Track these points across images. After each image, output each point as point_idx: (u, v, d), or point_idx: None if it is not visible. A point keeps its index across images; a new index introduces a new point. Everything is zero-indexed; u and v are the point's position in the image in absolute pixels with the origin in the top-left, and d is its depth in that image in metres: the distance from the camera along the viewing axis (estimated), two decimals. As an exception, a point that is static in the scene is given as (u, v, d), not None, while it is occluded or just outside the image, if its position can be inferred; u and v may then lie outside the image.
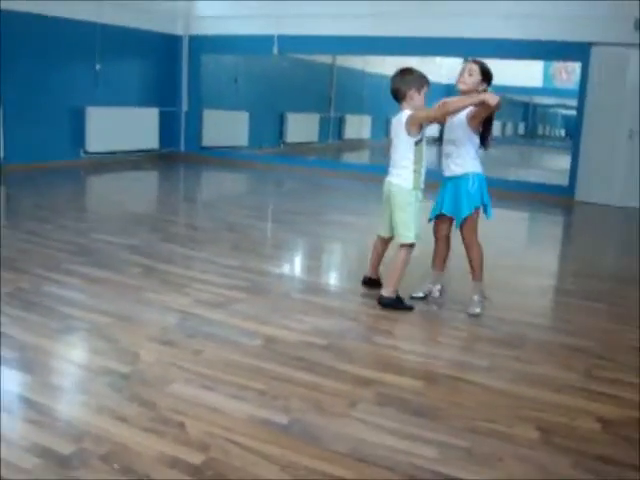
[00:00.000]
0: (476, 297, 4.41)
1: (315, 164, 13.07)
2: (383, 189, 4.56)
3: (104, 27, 10.93)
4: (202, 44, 12.66)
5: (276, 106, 14.67)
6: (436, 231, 4.61)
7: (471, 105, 4.10)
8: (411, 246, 4.38)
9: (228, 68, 13.70)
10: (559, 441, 2.75)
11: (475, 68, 4.25)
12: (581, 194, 10.07)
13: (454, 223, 4.48)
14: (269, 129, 14.65)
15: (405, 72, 4.31)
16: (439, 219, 4.55)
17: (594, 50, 9.91)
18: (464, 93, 4.25)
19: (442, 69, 19.58)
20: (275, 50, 11.87)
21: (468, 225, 4.36)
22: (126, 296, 4.29)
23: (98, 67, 11.06)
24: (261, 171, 12.11)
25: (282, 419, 2.76)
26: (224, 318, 3.97)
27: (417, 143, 4.31)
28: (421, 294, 4.60)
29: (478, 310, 4.35)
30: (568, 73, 17.43)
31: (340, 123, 17.30)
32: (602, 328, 4.34)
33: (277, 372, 3.22)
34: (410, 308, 4.37)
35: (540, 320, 4.48)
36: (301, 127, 15.41)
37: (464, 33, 10.49)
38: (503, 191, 10.19)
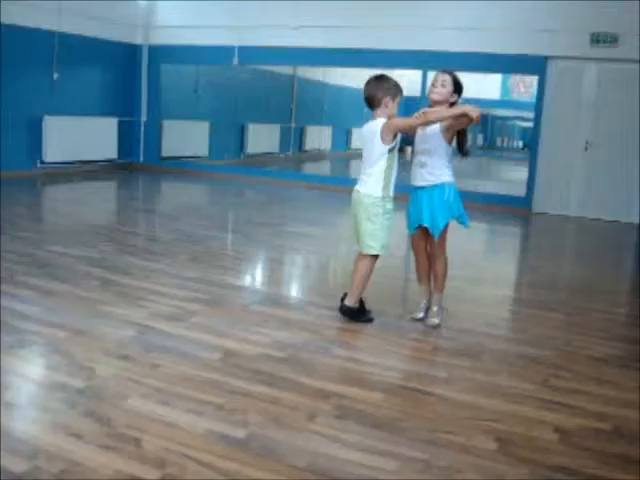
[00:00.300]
0: (436, 308, 4.43)
1: (276, 175, 13.06)
2: (352, 197, 4.46)
3: (62, 36, 10.82)
4: (162, 54, 12.60)
5: (237, 117, 14.64)
6: (415, 244, 4.57)
7: (454, 117, 4.11)
8: (375, 257, 4.34)
9: (188, 78, 13.64)
10: (517, 452, 2.76)
11: (448, 79, 4.26)
12: (538, 205, 10.22)
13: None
14: (230, 140, 14.60)
15: (381, 79, 4.25)
16: (417, 231, 4.51)
17: (550, 63, 10.09)
18: (436, 103, 4.26)
19: (402, 81, 19.80)
20: (235, 61, 11.87)
21: (440, 236, 4.36)
22: (82, 309, 4.22)
23: (56, 76, 10.93)
24: (222, 182, 12.06)
25: (240, 433, 2.73)
26: (182, 331, 3.92)
27: (390, 151, 4.26)
28: (421, 314, 4.49)
29: (437, 321, 4.36)
30: (526, 86, 17.68)
31: (301, 134, 17.32)
32: (558, 338, 4.38)
33: (235, 386, 3.19)
34: (370, 320, 4.36)
35: (497, 330, 4.51)
36: (262, 138, 15.40)
37: (423, 46, 10.62)
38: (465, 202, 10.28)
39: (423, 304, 4.53)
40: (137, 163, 12.87)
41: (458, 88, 4.29)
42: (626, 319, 5.11)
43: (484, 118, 26.24)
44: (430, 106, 4.28)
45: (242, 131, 14.80)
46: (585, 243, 8.67)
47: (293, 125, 16.88)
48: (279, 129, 16.33)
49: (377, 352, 3.83)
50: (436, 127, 4.23)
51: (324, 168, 17.57)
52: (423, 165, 4.38)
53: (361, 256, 4.37)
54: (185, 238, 6.74)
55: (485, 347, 4.04)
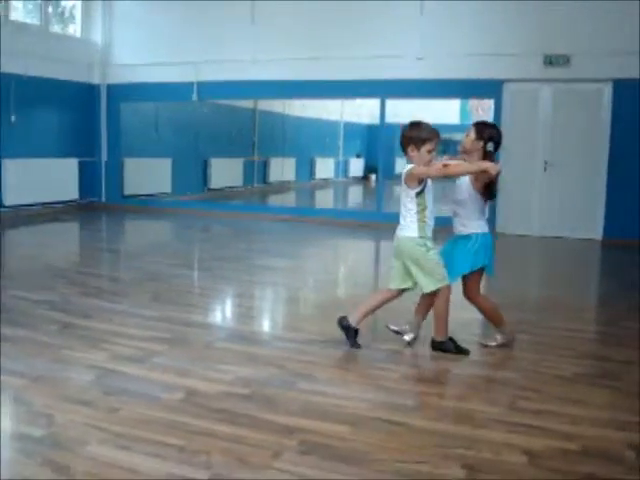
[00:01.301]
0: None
1: (240, 208, 13.05)
2: (394, 242, 4.59)
3: (19, 78, 10.74)
4: (120, 92, 12.58)
5: (199, 152, 14.61)
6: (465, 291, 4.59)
7: (471, 174, 4.24)
8: (443, 288, 4.33)
9: (148, 115, 13.61)
10: (485, 478, 2.74)
11: (472, 128, 4.36)
12: (501, 226, 10.30)
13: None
14: (193, 175, 14.55)
15: (412, 126, 4.34)
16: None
17: (506, 86, 10.26)
18: (463, 152, 4.38)
19: (363, 110, 19.96)
20: (195, 96, 11.88)
21: (472, 283, 4.49)
22: (41, 355, 4.12)
23: (14, 118, 10.84)
24: (186, 218, 11.99)
25: (203, 475, 2.67)
26: (143, 372, 3.84)
27: (418, 194, 4.35)
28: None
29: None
30: (484, 109, 17.92)
31: (264, 166, 17.36)
32: (525, 359, 4.38)
33: (197, 426, 3.12)
34: (466, 352, 4.38)
35: (464, 354, 4.49)
36: (225, 172, 15.39)
37: (381, 75, 10.75)
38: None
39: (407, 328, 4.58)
40: (99, 203, 12.77)
41: (480, 135, 4.31)
42: (592, 336, 5.15)
43: (446, 143, 26.63)
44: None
45: (205, 166, 14.77)
46: (549, 262, 8.74)
47: (256, 158, 16.91)
48: (242, 162, 16.34)
49: (343, 383, 3.78)
50: (466, 178, 4.35)
51: (289, 199, 17.58)
52: (456, 215, 4.56)
53: (430, 297, 4.43)
54: (148, 277, 6.65)
55: (452, 372, 4.03)
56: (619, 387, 3.85)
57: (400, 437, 3.09)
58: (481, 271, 4.49)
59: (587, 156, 9.97)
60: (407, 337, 4.56)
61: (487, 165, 4.12)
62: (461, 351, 4.40)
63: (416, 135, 4.28)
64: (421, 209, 4.40)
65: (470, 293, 4.52)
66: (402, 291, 4.49)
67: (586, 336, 5.05)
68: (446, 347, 4.38)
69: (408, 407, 3.46)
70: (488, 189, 4.37)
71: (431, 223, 4.44)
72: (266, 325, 5.37)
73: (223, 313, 5.79)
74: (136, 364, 3.98)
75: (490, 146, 4.31)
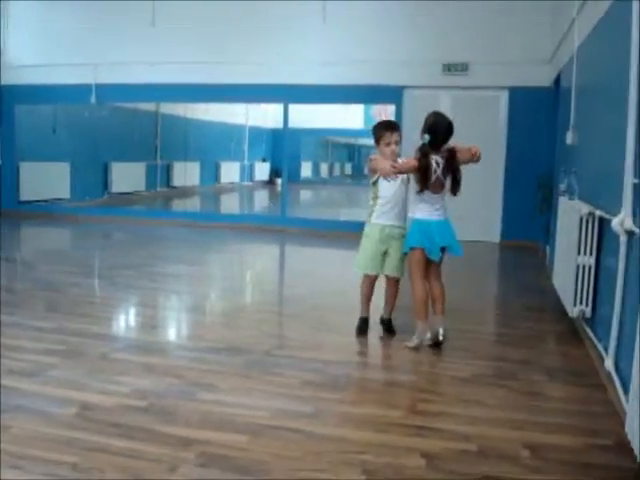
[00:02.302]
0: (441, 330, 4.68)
1: (143, 214, 12.79)
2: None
3: None
4: (15, 94, 12.09)
5: (99, 156, 14.27)
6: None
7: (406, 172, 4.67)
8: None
9: (45, 118, 13.17)
10: (385, 483, 2.75)
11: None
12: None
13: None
14: (92, 180, 14.19)
15: (373, 127, 4.96)
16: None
17: (406, 92, 10.44)
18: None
19: (268, 114, 19.96)
20: (93, 99, 11.58)
21: (408, 264, 4.83)
22: None
23: None
24: (85, 224, 11.67)
25: (96, 494, 2.58)
26: (36, 387, 3.69)
27: (373, 184, 4.84)
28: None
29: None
30: (387, 114, 18.20)
31: (168, 170, 17.11)
32: (424, 361, 4.45)
33: (92, 442, 3.01)
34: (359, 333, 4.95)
35: (364, 359, 4.54)
36: (127, 176, 15.08)
37: (284, 80, 10.73)
38: (333, 231, 10.45)
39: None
40: (-7, 209, 12.26)
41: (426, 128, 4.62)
42: (489, 337, 5.27)
43: (351, 148, 26.93)
44: None
45: (105, 170, 14.42)
46: (447, 264, 8.89)
47: (159, 162, 16.64)
48: (144, 166, 16.05)
49: (242, 392, 3.73)
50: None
51: (193, 204, 17.39)
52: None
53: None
54: (43, 286, 6.41)
55: (352, 377, 4.05)
56: (515, 387, 3.95)
57: (300, 445, 3.07)
58: (417, 253, 4.69)
59: (485, 161, 10.09)
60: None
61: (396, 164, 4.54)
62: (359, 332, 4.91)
63: (374, 134, 4.86)
64: (373, 197, 4.86)
65: (409, 274, 4.81)
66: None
67: (483, 337, 5.17)
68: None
69: (308, 414, 3.43)
70: (419, 180, 4.59)
71: (384, 211, 4.81)
72: (166, 334, 5.25)
73: (121, 323, 5.61)
74: (29, 378, 3.82)
75: (425, 138, 4.59)
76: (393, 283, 4.95)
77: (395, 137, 4.81)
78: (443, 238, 4.73)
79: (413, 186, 4.67)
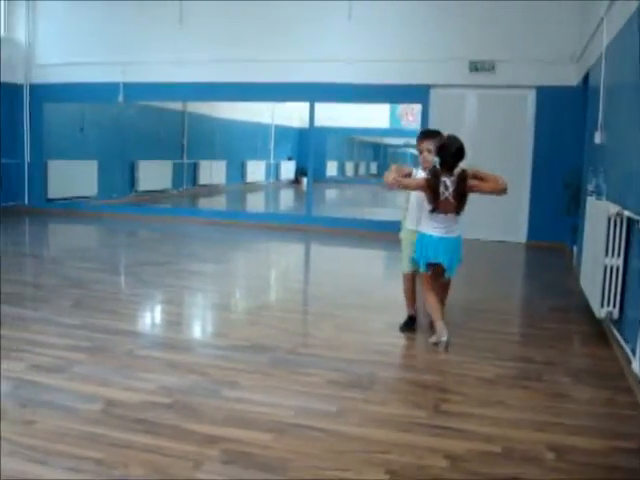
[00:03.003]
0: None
1: (169, 212, 12.88)
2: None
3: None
4: (44, 93, 12.23)
5: (126, 154, 14.36)
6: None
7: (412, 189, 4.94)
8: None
9: (73, 117, 13.28)
10: (408, 483, 2.74)
11: (432, 147, 4.81)
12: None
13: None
14: (120, 178, 14.29)
15: None
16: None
17: (433, 92, 10.39)
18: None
19: (294, 113, 19.99)
20: (121, 98, 11.67)
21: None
22: (-47, 367, 3.95)
23: None
24: (112, 221, 11.77)
25: (120, 489, 2.60)
26: (61, 383, 3.72)
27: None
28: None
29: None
30: (414, 114, 18.18)
31: (194, 169, 17.19)
32: (449, 361, 4.43)
33: (116, 438, 3.03)
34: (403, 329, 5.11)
35: (388, 358, 4.52)
36: (153, 174, 15.17)
37: (310, 78, 10.73)
38: (358, 230, 10.45)
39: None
40: (22, 206, 12.39)
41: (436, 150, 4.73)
42: (514, 338, 5.23)
43: (377, 147, 26.88)
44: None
45: (132, 168, 14.53)
46: (474, 265, 8.86)
47: (186, 160, 16.73)
48: (171, 165, 16.14)
49: (267, 390, 3.74)
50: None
51: (219, 202, 17.46)
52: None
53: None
54: (70, 283, 6.47)
55: (376, 376, 4.03)
56: (539, 388, 3.92)
57: (323, 444, 3.07)
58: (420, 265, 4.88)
59: (512, 160, 10.18)
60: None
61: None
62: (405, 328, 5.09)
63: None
64: (405, 207, 5.17)
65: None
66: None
67: (509, 338, 5.13)
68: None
69: (331, 413, 3.43)
70: (429, 200, 4.70)
71: (410, 219, 5.09)
72: (191, 332, 5.29)
73: (147, 320, 5.65)
74: (54, 374, 3.86)
75: (435, 161, 4.71)
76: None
77: (426, 145, 4.84)
78: (437, 255, 4.79)
79: (425, 203, 4.77)
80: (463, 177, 4.64)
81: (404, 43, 10.31)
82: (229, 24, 10.99)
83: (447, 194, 4.63)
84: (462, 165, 4.71)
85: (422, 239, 4.81)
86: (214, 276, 7.38)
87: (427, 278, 4.90)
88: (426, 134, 5.04)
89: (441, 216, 4.70)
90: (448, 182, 4.62)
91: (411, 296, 5.21)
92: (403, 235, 5.20)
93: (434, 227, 4.75)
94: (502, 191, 4.78)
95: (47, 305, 5.57)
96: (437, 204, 4.64)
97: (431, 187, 4.63)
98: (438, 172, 4.64)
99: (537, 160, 10.03)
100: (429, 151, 4.80)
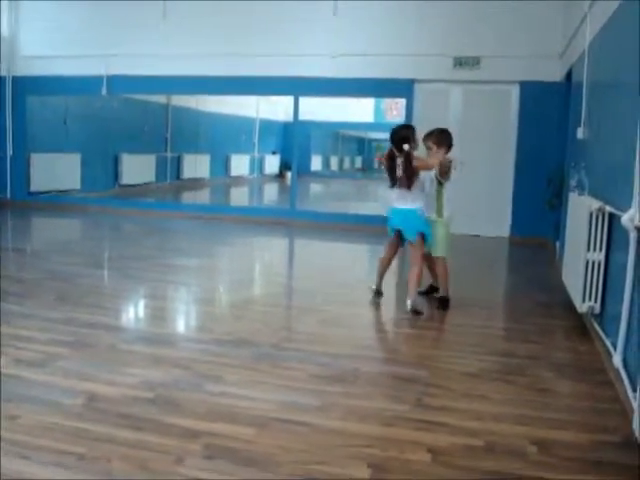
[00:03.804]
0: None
1: (153, 206, 12.81)
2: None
3: None
4: (27, 85, 12.11)
5: (110, 147, 14.28)
6: None
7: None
8: None
9: (56, 109, 13.18)
10: (390, 477, 2.75)
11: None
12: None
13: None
14: (103, 171, 14.22)
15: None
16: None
17: (417, 86, 10.41)
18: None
19: (278, 107, 19.96)
20: (104, 91, 11.59)
21: None
22: None
23: None
24: (95, 215, 11.70)
25: (102, 484, 2.59)
26: (44, 377, 3.71)
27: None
28: None
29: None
30: (398, 108, 18.20)
31: (178, 162, 17.12)
32: (432, 356, 4.45)
33: (99, 432, 3.02)
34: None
35: (372, 352, 4.54)
36: (137, 168, 15.09)
37: (295, 72, 10.71)
38: (343, 224, 10.45)
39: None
40: (4, 199, 12.27)
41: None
42: (497, 332, 5.25)
43: (361, 140, 26.89)
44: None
45: (116, 162, 14.45)
46: (457, 259, 8.87)
47: (169, 154, 16.66)
48: (155, 158, 16.06)
49: (250, 384, 3.73)
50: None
51: (203, 196, 17.41)
52: None
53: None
54: (53, 277, 6.43)
55: (359, 371, 4.04)
56: (523, 382, 3.94)
57: (306, 438, 3.07)
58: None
59: (496, 156, 10.24)
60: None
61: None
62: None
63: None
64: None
65: None
66: None
67: (492, 332, 5.15)
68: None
69: (314, 407, 3.44)
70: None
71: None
72: (174, 326, 5.27)
73: (130, 314, 5.63)
74: (37, 369, 3.84)
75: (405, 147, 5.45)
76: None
77: (427, 143, 5.88)
78: (397, 222, 5.68)
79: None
80: (407, 157, 5.44)
81: (389, 38, 10.31)
82: (213, 18, 10.93)
83: (399, 172, 5.48)
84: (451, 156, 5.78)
85: (389, 211, 5.77)
86: (198, 270, 7.37)
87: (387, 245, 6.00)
88: (428, 134, 5.90)
89: (396, 190, 5.57)
90: (399, 161, 5.47)
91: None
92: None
93: (393, 199, 5.64)
94: (440, 173, 5.60)
95: (30, 299, 5.52)
96: (394, 180, 5.53)
97: (387, 166, 5.59)
98: (392, 154, 5.53)
99: (520, 155, 10.07)
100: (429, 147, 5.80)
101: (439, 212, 5.80)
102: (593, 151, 5.83)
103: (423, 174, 5.58)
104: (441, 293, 5.82)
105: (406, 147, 5.40)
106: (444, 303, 5.70)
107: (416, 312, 5.35)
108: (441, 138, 5.79)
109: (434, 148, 5.73)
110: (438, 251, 5.83)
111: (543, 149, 9.77)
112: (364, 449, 2.97)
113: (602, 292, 4.64)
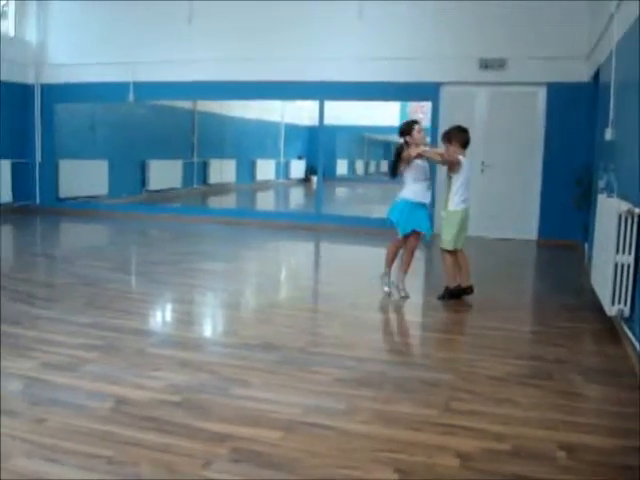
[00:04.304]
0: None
1: (179, 211, 12.90)
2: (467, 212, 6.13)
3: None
4: (55, 93, 12.29)
5: (136, 153, 14.39)
6: None
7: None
8: None
9: (84, 116, 13.33)
10: (418, 482, 2.73)
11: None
12: (439, 226, 10.37)
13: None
14: (130, 177, 14.33)
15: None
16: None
17: (443, 89, 10.38)
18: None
19: (304, 112, 19.97)
20: (131, 97, 11.70)
21: None
22: (-35, 365, 3.97)
23: (-57, 119, 10.48)
24: (123, 221, 11.80)
25: (131, 487, 2.60)
26: (73, 381, 3.74)
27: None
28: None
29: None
30: (424, 112, 18.12)
31: (204, 168, 17.20)
32: (459, 360, 4.42)
33: (127, 436, 3.04)
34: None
35: (398, 357, 4.53)
36: (164, 174, 15.19)
37: (320, 77, 10.74)
38: (369, 228, 10.42)
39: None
40: (34, 205, 12.46)
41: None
42: (525, 336, 5.21)
43: (387, 144, 26.81)
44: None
45: (143, 168, 14.56)
46: (485, 263, 8.84)
47: (196, 159, 16.75)
48: (181, 164, 16.15)
49: (276, 388, 3.74)
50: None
51: (229, 201, 17.47)
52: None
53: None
54: (81, 282, 6.50)
55: (386, 375, 4.02)
56: (550, 386, 3.91)
57: (332, 442, 3.07)
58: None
59: (523, 158, 10.17)
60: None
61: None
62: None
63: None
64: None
65: None
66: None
67: (519, 336, 5.11)
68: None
69: (340, 411, 3.44)
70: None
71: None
72: (201, 330, 5.31)
73: (157, 318, 5.67)
74: (65, 372, 3.88)
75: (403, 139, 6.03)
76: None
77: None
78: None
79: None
80: (398, 148, 6.05)
81: (414, 41, 10.30)
82: (238, 22, 10.99)
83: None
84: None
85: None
86: (224, 274, 7.40)
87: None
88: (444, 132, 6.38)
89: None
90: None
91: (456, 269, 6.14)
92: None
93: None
94: (442, 162, 6.11)
95: (59, 304, 5.60)
96: (395, 172, 6.10)
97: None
98: (400, 150, 6.01)
99: (548, 157, 9.99)
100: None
101: (445, 205, 6.09)
102: (622, 152, 5.76)
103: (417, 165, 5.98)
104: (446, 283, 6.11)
105: (403, 140, 5.97)
106: (443, 293, 6.03)
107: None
108: (450, 135, 6.08)
109: (446, 144, 6.06)
110: (443, 244, 6.07)
111: (571, 151, 9.69)
112: (390, 454, 2.96)
113: (632, 295, 4.59)
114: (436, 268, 8.62)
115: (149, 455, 2.87)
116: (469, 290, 6.02)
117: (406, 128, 6.03)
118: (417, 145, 5.94)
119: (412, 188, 6.04)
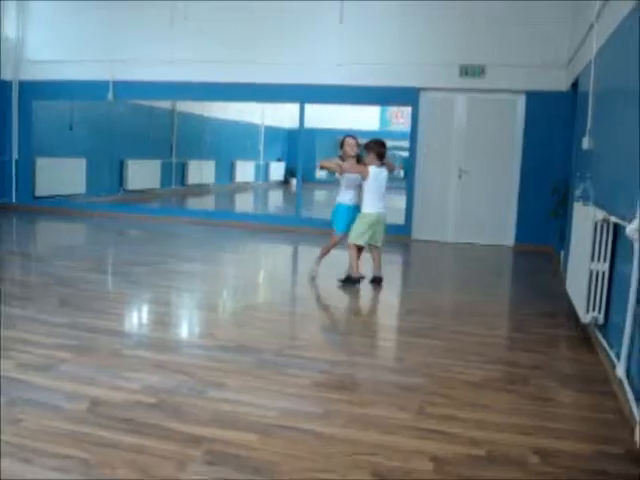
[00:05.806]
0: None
1: (157, 211, 12.85)
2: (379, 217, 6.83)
3: None
4: (33, 90, 12.16)
5: (115, 152, 14.29)
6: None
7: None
8: None
9: (62, 114, 13.21)
10: (393, 486, 2.74)
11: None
12: (417, 232, 10.46)
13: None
14: (108, 176, 14.23)
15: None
16: None
17: (422, 95, 10.42)
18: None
19: (284, 114, 19.97)
20: (110, 96, 11.63)
21: None
22: (-62, 364, 3.92)
23: None
24: (100, 220, 11.71)
25: (105, 489, 2.59)
26: (48, 382, 3.71)
27: None
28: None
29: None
30: (404, 116, 18.24)
31: (183, 168, 17.13)
32: (435, 364, 4.43)
33: (102, 437, 3.03)
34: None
35: (374, 360, 4.55)
36: (142, 173, 15.10)
37: (301, 80, 10.73)
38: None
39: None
40: (9, 204, 12.32)
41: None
42: (501, 341, 5.24)
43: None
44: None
45: (121, 167, 14.47)
46: (462, 268, 8.91)
47: (175, 160, 16.68)
48: (160, 164, 16.08)
49: (252, 391, 3.74)
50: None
51: (208, 202, 17.41)
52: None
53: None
54: (57, 281, 6.44)
55: (362, 378, 4.04)
56: (525, 392, 3.94)
57: (309, 445, 3.07)
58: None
59: (500, 164, 10.24)
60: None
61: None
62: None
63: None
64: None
65: None
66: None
67: (495, 341, 5.15)
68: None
69: (317, 414, 3.44)
70: None
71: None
72: (177, 332, 5.27)
73: (134, 319, 5.64)
74: (41, 373, 3.85)
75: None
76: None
77: None
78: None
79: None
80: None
81: (395, 45, 10.34)
82: (220, 24, 10.97)
83: None
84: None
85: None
86: (202, 276, 7.37)
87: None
88: None
89: None
90: None
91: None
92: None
93: None
94: (340, 172, 6.91)
95: (34, 303, 5.54)
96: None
97: None
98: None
99: (526, 164, 10.08)
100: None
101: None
102: (598, 161, 5.82)
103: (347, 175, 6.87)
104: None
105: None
106: (344, 278, 6.83)
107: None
108: (369, 146, 6.84)
109: (366, 152, 6.85)
110: (349, 238, 6.87)
111: (548, 158, 9.78)
112: (367, 457, 2.97)
113: (606, 302, 4.63)
114: (413, 272, 8.67)
115: (124, 457, 2.86)
116: (378, 280, 6.88)
117: (340, 142, 6.97)
118: (346, 157, 6.85)
119: (352, 198, 6.97)
